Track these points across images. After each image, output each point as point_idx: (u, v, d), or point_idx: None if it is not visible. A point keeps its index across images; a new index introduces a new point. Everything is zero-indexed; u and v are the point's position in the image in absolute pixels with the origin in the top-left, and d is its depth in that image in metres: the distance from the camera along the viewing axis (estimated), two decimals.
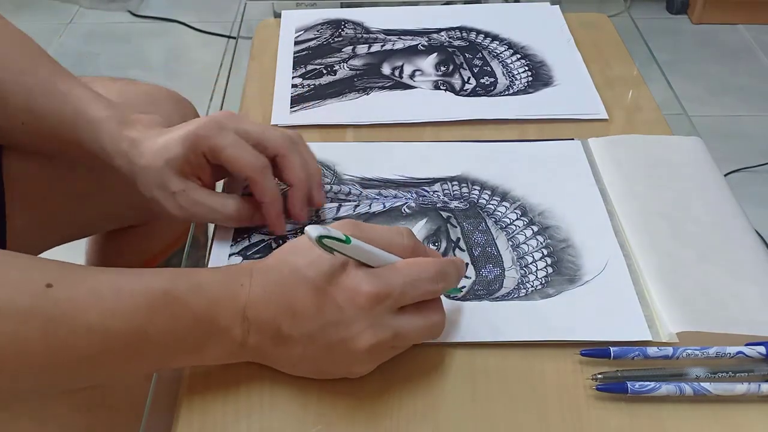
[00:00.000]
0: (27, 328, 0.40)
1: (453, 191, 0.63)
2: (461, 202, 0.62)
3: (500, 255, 0.57)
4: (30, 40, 0.65)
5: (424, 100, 0.75)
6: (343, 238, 0.43)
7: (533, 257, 0.57)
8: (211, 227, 0.61)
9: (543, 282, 0.55)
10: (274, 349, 0.46)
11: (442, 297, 0.50)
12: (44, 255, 0.73)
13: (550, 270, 0.56)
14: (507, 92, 0.76)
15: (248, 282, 0.46)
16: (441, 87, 0.77)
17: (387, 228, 0.49)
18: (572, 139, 0.69)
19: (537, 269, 0.56)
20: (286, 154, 0.57)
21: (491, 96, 0.75)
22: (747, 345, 0.49)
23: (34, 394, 0.50)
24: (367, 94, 0.76)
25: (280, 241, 0.58)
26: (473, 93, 0.76)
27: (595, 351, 0.49)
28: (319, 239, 0.43)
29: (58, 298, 0.42)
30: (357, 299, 0.44)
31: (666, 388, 0.47)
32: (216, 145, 0.55)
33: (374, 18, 0.88)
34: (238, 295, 0.45)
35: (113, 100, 0.62)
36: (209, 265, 0.56)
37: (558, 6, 0.90)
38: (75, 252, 0.87)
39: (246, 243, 0.58)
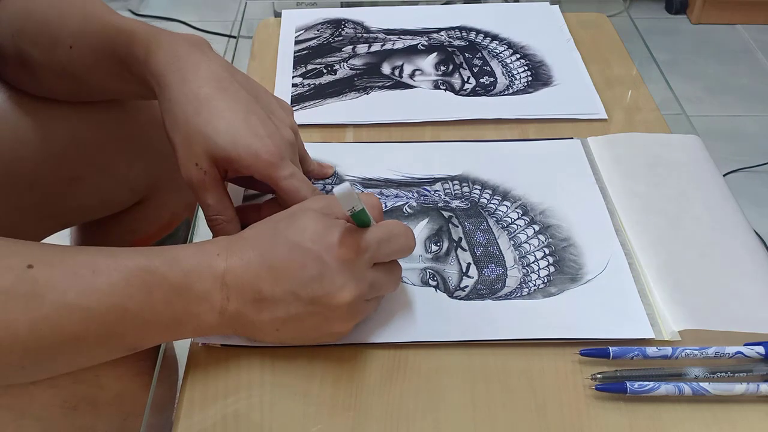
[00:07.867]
0: (10, 308, 0.41)
1: (454, 191, 0.63)
2: (462, 201, 0.62)
3: (502, 254, 0.57)
4: None
5: (424, 99, 0.75)
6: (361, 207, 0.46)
7: (535, 256, 0.57)
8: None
9: (545, 281, 0.55)
10: (256, 314, 0.47)
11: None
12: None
13: (552, 269, 0.56)
14: (507, 92, 0.76)
15: (225, 252, 0.47)
16: (441, 87, 0.77)
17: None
18: (572, 138, 0.69)
19: (539, 268, 0.56)
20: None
21: (491, 96, 0.75)
22: (746, 345, 0.49)
23: (16, 386, 0.50)
24: (367, 93, 0.76)
25: None
26: (473, 93, 0.76)
27: (595, 351, 0.49)
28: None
29: (38, 278, 0.42)
30: (339, 252, 0.46)
31: (665, 388, 0.47)
32: (272, 177, 0.53)
33: (374, 17, 0.88)
34: (215, 264, 0.46)
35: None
36: None
37: (557, 6, 0.90)
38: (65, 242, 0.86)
39: None
